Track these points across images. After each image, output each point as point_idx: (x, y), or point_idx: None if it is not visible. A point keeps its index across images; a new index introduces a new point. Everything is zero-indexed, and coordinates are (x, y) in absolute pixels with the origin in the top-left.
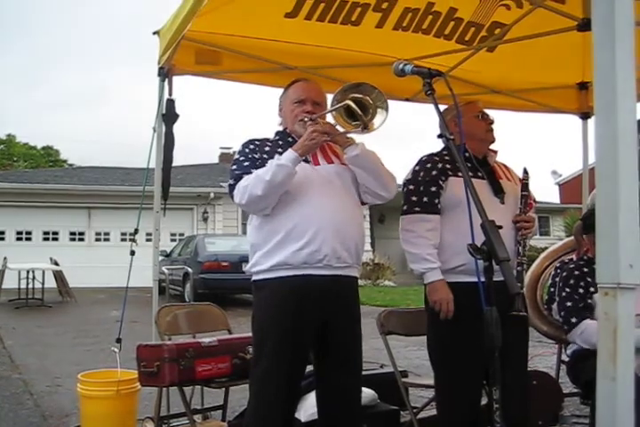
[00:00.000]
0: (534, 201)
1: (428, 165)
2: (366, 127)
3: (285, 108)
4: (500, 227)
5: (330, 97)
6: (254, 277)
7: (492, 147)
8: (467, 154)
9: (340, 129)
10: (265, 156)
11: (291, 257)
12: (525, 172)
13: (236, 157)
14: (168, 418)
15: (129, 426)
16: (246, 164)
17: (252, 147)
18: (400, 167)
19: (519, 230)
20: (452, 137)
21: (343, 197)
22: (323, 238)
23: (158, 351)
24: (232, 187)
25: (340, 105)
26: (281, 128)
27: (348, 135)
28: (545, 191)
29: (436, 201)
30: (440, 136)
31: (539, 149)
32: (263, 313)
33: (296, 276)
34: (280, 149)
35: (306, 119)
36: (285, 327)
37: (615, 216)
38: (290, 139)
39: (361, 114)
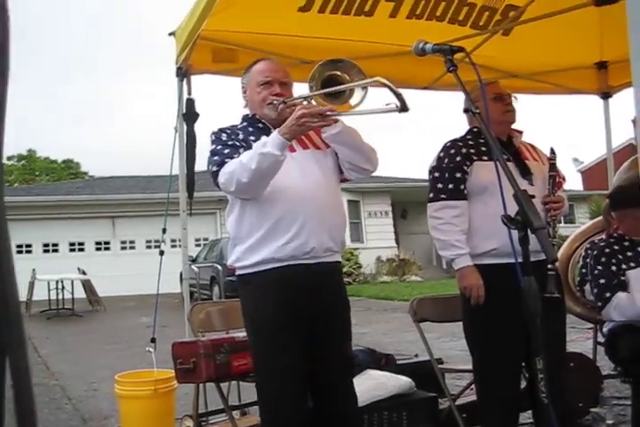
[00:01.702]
0: (563, 179)
1: (452, 151)
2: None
3: (251, 91)
4: (533, 196)
5: None
6: (238, 272)
7: (517, 127)
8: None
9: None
10: (243, 144)
11: (276, 252)
12: (552, 152)
13: (212, 147)
14: (206, 415)
15: (168, 425)
16: (226, 151)
17: (225, 135)
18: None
19: (548, 212)
20: (477, 111)
21: (323, 184)
22: (310, 230)
23: (194, 348)
24: (215, 173)
25: (316, 93)
26: (247, 111)
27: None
28: (568, 179)
29: (462, 187)
30: (466, 111)
31: (560, 135)
32: (252, 308)
33: (282, 267)
34: (252, 137)
35: (276, 102)
36: (276, 319)
37: None
38: (260, 124)
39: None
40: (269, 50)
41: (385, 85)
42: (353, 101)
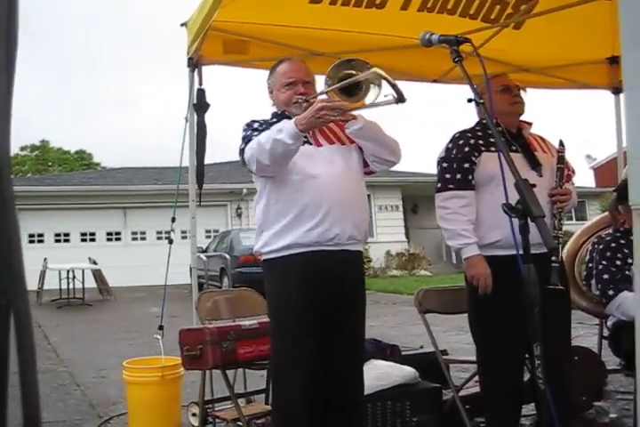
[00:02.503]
0: (573, 172)
1: (461, 142)
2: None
3: (277, 92)
4: (534, 185)
5: None
6: (264, 257)
7: (527, 119)
8: (499, 128)
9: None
10: None
11: (301, 237)
12: (561, 144)
13: (244, 133)
14: (212, 402)
15: (174, 411)
16: (255, 133)
17: (256, 124)
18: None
19: (555, 204)
20: (481, 101)
21: (348, 177)
22: (333, 218)
23: (200, 335)
24: (242, 150)
25: (335, 86)
26: (275, 109)
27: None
28: (580, 176)
29: (470, 177)
30: (470, 100)
31: (573, 131)
32: (276, 292)
33: (307, 252)
34: None
35: (300, 100)
36: (300, 304)
37: None
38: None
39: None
40: (280, 41)
41: (381, 77)
42: (368, 100)
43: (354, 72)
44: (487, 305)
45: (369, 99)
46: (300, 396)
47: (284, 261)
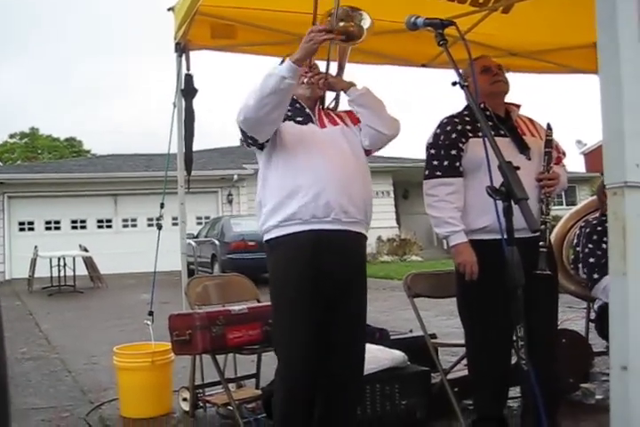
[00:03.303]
0: (563, 154)
1: (448, 128)
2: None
3: None
4: (518, 168)
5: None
6: (266, 237)
7: (515, 101)
8: (487, 112)
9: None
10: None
11: (298, 210)
12: (549, 127)
13: None
14: (203, 387)
15: (165, 396)
16: None
17: None
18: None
19: (542, 188)
20: (465, 84)
21: (349, 156)
22: (330, 193)
23: (190, 320)
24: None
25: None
26: None
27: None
28: (570, 161)
29: (457, 164)
30: (454, 84)
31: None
32: (279, 272)
33: (307, 231)
34: (289, 113)
35: (305, 80)
36: (302, 283)
37: (620, 118)
38: (297, 104)
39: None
40: (268, 26)
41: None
42: (365, 24)
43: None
44: (474, 290)
45: (366, 24)
46: (302, 369)
47: (284, 241)
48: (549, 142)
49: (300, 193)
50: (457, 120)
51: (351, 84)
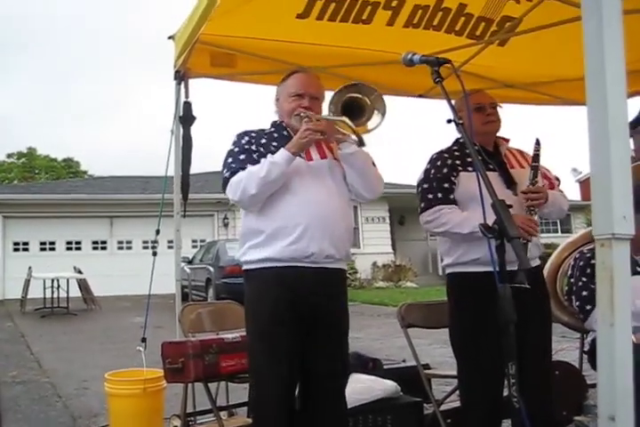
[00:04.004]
0: (557, 179)
1: (439, 163)
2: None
3: (282, 100)
4: (510, 206)
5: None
6: (244, 267)
7: (504, 135)
8: (476, 147)
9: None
10: (261, 149)
11: (279, 253)
12: (537, 142)
13: (231, 147)
14: (194, 415)
15: (156, 424)
16: (242, 157)
17: (247, 139)
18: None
19: (527, 201)
20: (460, 121)
21: (333, 193)
22: (310, 236)
23: (183, 348)
24: (226, 180)
25: (337, 118)
26: (277, 117)
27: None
28: (566, 189)
29: (451, 197)
30: (449, 121)
31: (558, 145)
32: (253, 301)
33: (284, 267)
34: (275, 143)
35: (302, 114)
36: (275, 312)
37: (608, 171)
38: (285, 132)
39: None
40: (267, 55)
41: (348, 126)
42: (370, 125)
43: (360, 96)
44: (467, 320)
45: (371, 124)
46: (276, 405)
47: (261, 273)
48: (537, 157)
49: (280, 235)
50: (446, 155)
51: (345, 140)
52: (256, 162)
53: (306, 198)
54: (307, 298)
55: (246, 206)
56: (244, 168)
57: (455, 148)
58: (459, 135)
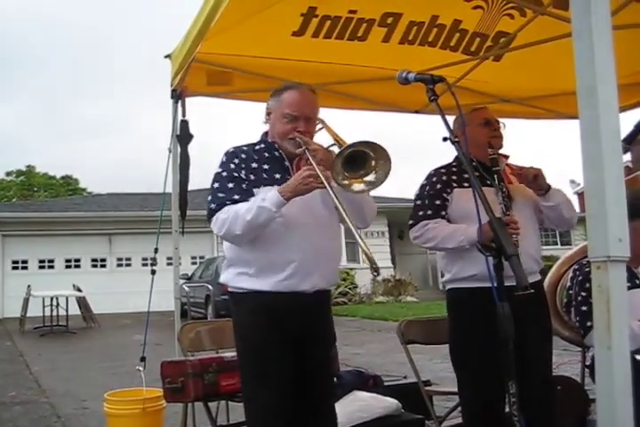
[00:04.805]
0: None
1: (434, 179)
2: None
3: (275, 118)
4: (507, 224)
5: (334, 111)
6: (230, 289)
7: (503, 152)
8: (474, 163)
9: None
10: (252, 176)
11: (271, 287)
12: (490, 146)
13: (219, 170)
14: None
15: None
16: (230, 185)
17: (236, 161)
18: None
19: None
20: (456, 139)
21: (325, 225)
22: (304, 273)
23: (182, 367)
24: (211, 213)
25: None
26: (268, 129)
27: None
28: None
29: (443, 213)
30: (445, 139)
31: (555, 157)
32: (241, 324)
33: (273, 293)
34: (266, 166)
35: (299, 140)
36: (263, 336)
37: (602, 193)
38: (276, 153)
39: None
40: (264, 73)
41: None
42: (368, 178)
43: (368, 151)
44: (466, 336)
45: (369, 178)
46: (267, 421)
47: (249, 298)
48: (494, 160)
49: (272, 270)
50: (443, 171)
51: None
52: (244, 192)
53: (298, 232)
54: (295, 320)
55: (231, 243)
56: (230, 200)
57: (454, 164)
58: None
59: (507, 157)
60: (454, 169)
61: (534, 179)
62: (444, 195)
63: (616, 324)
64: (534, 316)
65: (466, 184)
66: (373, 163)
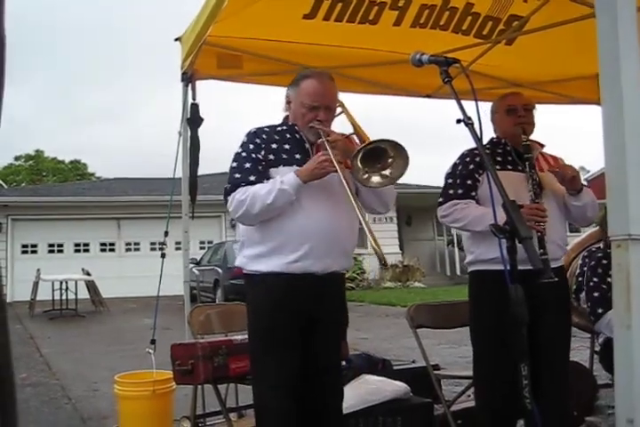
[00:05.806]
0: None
1: (467, 159)
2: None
3: (295, 107)
4: (522, 206)
5: (348, 95)
6: (246, 272)
7: (540, 140)
8: (508, 147)
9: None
10: (271, 156)
11: (282, 267)
12: (524, 133)
13: (239, 150)
14: (204, 417)
15: (166, 425)
16: (247, 165)
17: (257, 142)
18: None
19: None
20: (470, 122)
21: (342, 209)
22: (317, 255)
23: (192, 349)
24: (227, 192)
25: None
26: (287, 113)
27: None
28: None
29: (473, 193)
30: (459, 121)
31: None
32: (256, 304)
33: (287, 274)
34: (287, 146)
35: (320, 131)
36: (277, 315)
37: (624, 171)
38: (297, 135)
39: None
40: (274, 56)
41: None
42: (385, 172)
43: (387, 147)
44: (485, 317)
45: (386, 172)
46: (274, 401)
47: (264, 280)
48: (527, 147)
49: (285, 251)
50: (477, 152)
51: None
52: (260, 174)
53: (313, 214)
54: (310, 300)
55: (244, 223)
56: (246, 182)
57: (488, 146)
58: (493, 135)
59: (542, 145)
60: (487, 151)
61: (571, 180)
62: (476, 175)
63: (636, 303)
64: (556, 301)
65: (498, 167)
66: (390, 160)
